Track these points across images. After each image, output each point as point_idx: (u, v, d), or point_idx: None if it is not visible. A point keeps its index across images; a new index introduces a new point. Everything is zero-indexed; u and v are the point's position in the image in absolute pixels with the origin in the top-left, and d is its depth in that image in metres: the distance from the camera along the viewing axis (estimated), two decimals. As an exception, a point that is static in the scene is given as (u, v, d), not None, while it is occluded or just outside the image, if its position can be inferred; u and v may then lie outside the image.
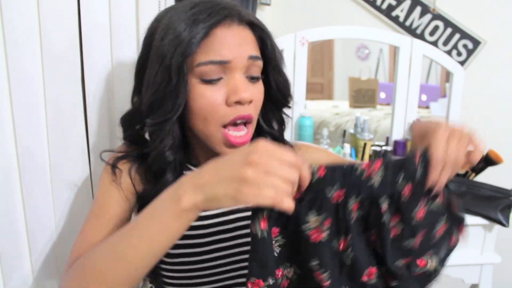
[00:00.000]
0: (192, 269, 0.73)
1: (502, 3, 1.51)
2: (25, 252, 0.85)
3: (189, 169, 0.74)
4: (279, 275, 0.58)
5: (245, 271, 0.75)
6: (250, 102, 0.64)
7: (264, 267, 0.55)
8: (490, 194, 1.20)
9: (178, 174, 0.69)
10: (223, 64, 0.62)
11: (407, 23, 1.48)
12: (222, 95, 0.63)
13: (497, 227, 1.21)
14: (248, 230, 0.73)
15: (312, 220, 0.56)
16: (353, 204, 0.56)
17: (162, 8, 0.90)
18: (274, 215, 0.55)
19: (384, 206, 0.57)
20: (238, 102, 0.63)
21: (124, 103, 0.88)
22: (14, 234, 0.83)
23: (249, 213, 0.73)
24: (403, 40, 1.38)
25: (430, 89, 2.11)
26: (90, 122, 0.88)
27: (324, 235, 0.56)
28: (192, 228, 0.73)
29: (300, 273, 0.59)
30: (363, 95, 2.16)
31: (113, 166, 0.72)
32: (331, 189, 0.56)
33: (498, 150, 1.25)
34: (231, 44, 0.62)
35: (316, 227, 0.56)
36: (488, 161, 1.25)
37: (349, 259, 0.57)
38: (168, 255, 0.72)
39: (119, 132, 0.88)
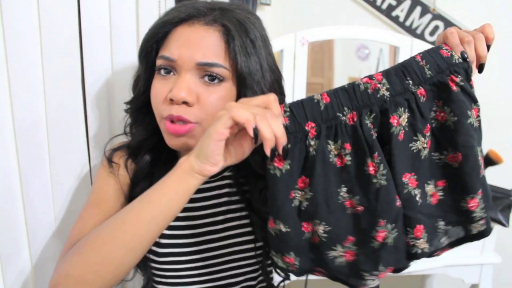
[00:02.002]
0: (181, 269, 0.73)
1: (502, 3, 1.51)
2: (25, 251, 0.86)
3: None
4: (308, 229, 0.58)
5: (235, 271, 0.75)
6: (187, 103, 0.62)
7: (273, 206, 0.56)
8: (490, 194, 1.20)
9: (155, 155, 0.73)
10: (170, 61, 0.63)
11: (407, 23, 1.48)
12: (166, 90, 0.63)
13: (497, 227, 1.21)
14: (238, 231, 0.74)
15: (333, 148, 0.56)
16: (369, 122, 0.56)
17: (162, 8, 0.90)
18: (297, 160, 0.56)
19: (403, 116, 0.56)
20: (172, 100, 0.62)
21: (123, 102, 0.88)
22: (13, 231, 0.83)
23: (240, 214, 0.74)
24: (403, 40, 1.38)
25: (430, 89, 2.11)
26: (90, 122, 0.88)
27: (348, 158, 0.56)
28: (181, 228, 0.73)
29: (329, 227, 0.57)
30: (363, 95, 2.16)
31: (109, 160, 0.73)
32: (342, 113, 0.56)
33: (498, 150, 1.25)
34: (182, 43, 0.62)
35: (338, 153, 0.56)
36: (488, 161, 1.25)
37: (384, 179, 0.55)
38: (156, 253, 0.72)
39: (119, 131, 0.88)
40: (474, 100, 0.58)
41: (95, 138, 0.89)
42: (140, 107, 0.72)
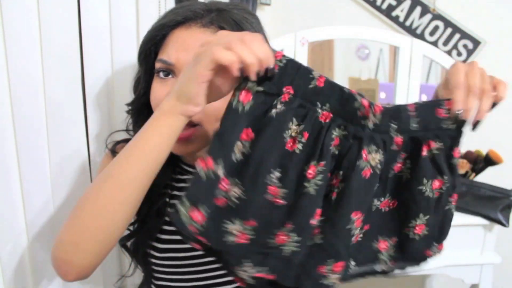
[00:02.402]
0: (180, 265, 0.73)
1: (502, 3, 1.51)
2: (25, 250, 0.86)
3: (182, 168, 0.76)
4: (225, 187, 0.51)
5: None
6: None
7: (223, 145, 0.51)
8: (490, 194, 1.20)
9: None
10: (168, 65, 0.63)
11: (407, 23, 1.48)
12: (164, 93, 0.63)
13: (497, 227, 1.21)
14: None
15: (293, 128, 0.52)
16: (336, 134, 0.53)
17: (162, 8, 0.90)
18: (258, 106, 0.51)
19: (373, 155, 0.54)
20: None
21: (124, 103, 0.88)
22: (13, 230, 0.83)
23: None
24: (403, 40, 1.37)
25: (430, 89, 2.11)
26: (90, 122, 0.88)
27: (299, 146, 0.52)
28: None
29: (244, 196, 0.51)
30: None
31: (112, 151, 0.74)
32: (321, 106, 0.53)
33: (498, 150, 1.25)
34: (180, 46, 0.63)
35: (294, 136, 0.53)
36: (488, 161, 1.25)
37: (313, 189, 0.52)
38: (156, 249, 0.73)
39: (119, 128, 0.88)
40: (440, 172, 0.56)
41: (95, 138, 0.89)
42: (141, 108, 0.73)
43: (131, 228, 0.76)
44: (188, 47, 0.62)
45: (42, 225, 0.86)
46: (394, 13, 1.49)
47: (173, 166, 0.75)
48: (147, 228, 0.73)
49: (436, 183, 0.56)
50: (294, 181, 0.52)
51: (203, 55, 0.49)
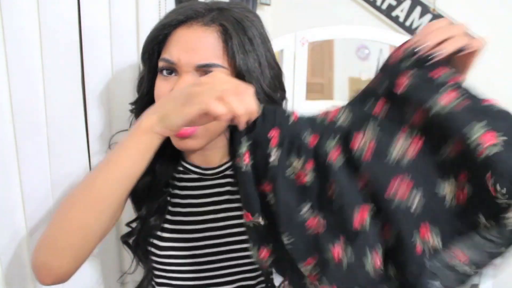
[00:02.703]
0: (181, 263, 0.74)
1: (502, 3, 1.51)
2: (25, 252, 0.86)
3: (182, 164, 0.76)
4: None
5: (234, 269, 0.76)
6: None
7: (248, 203, 0.57)
8: (490, 194, 1.20)
9: (158, 151, 0.72)
10: (171, 64, 0.65)
11: (407, 23, 1.48)
12: (167, 90, 0.65)
13: (497, 227, 1.21)
14: (238, 229, 0.75)
15: (294, 163, 0.57)
16: (332, 147, 0.56)
17: (162, 8, 0.90)
18: (259, 160, 0.57)
19: (360, 135, 0.53)
20: None
21: (124, 103, 0.88)
22: (13, 231, 0.83)
23: (240, 212, 0.74)
24: (403, 40, 1.37)
25: (430, 89, 2.11)
26: (90, 122, 0.88)
27: (309, 177, 0.56)
28: (182, 223, 0.74)
29: (291, 242, 0.55)
30: (363, 95, 2.16)
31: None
32: (305, 134, 0.57)
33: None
34: (182, 46, 0.64)
35: (299, 169, 0.56)
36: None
37: (337, 204, 0.53)
38: (157, 247, 0.73)
39: (119, 129, 0.88)
40: (439, 85, 0.50)
41: (95, 137, 0.89)
42: (145, 107, 0.72)
43: (133, 225, 0.77)
44: (189, 46, 0.63)
45: (42, 226, 0.86)
46: (394, 13, 1.49)
47: (175, 165, 0.76)
48: (148, 226, 0.74)
49: (446, 97, 0.50)
50: (324, 203, 0.55)
51: (195, 99, 0.51)
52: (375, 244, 0.50)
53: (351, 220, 0.51)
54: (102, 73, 0.87)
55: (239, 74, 0.64)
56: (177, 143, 0.67)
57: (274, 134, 0.57)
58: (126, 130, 0.81)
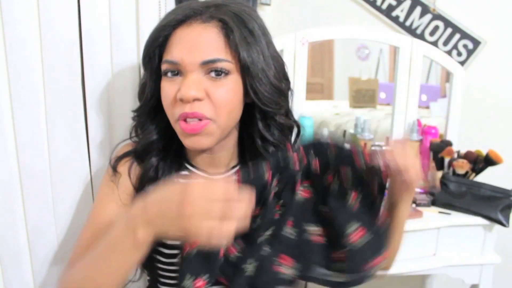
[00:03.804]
0: None
1: (502, 3, 1.51)
2: (26, 259, 0.85)
3: (186, 168, 0.75)
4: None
5: None
6: (199, 100, 0.63)
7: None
8: (490, 194, 1.20)
9: (160, 158, 0.73)
10: (174, 65, 0.64)
11: (407, 23, 1.48)
12: (174, 91, 0.65)
13: (497, 227, 1.21)
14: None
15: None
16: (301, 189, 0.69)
17: (162, 8, 0.90)
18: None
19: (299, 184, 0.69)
20: (183, 100, 0.63)
21: (124, 103, 0.88)
22: (14, 238, 0.83)
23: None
24: (403, 40, 1.37)
25: (430, 89, 2.11)
26: (90, 122, 0.88)
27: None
28: None
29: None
30: (363, 95, 2.15)
31: (114, 169, 0.73)
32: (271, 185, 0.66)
33: (498, 150, 1.25)
34: (183, 46, 0.63)
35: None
36: (488, 161, 1.25)
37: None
38: (162, 254, 0.73)
39: (119, 131, 0.88)
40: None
41: (95, 137, 0.89)
42: (149, 112, 0.72)
43: None
44: (191, 44, 0.63)
45: (42, 224, 0.86)
46: (394, 13, 1.49)
47: (178, 168, 0.75)
48: None
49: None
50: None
51: (187, 225, 0.48)
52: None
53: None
54: (102, 73, 0.87)
55: (244, 66, 0.64)
56: (187, 142, 0.67)
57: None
58: (128, 139, 0.78)
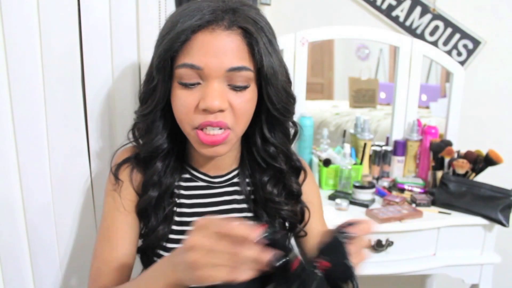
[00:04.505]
0: None
1: (502, 3, 1.51)
2: (26, 253, 0.86)
3: (188, 171, 0.75)
4: None
5: None
6: (222, 110, 0.63)
7: None
8: (490, 194, 1.20)
9: (164, 163, 0.72)
10: (196, 70, 0.62)
11: (407, 23, 1.48)
12: (194, 100, 0.63)
13: (497, 227, 1.21)
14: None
15: None
16: None
17: (162, 8, 0.90)
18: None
19: None
20: (207, 110, 0.62)
21: (124, 104, 0.88)
22: (13, 243, 0.83)
23: (246, 219, 0.74)
24: (403, 40, 1.38)
25: (430, 89, 2.11)
26: (90, 122, 0.88)
27: None
28: (190, 224, 0.73)
29: None
30: (363, 95, 2.15)
31: (115, 176, 0.73)
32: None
33: (498, 150, 1.25)
34: (208, 51, 0.61)
35: None
36: (488, 161, 1.25)
37: None
38: (166, 249, 0.73)
39: (119, 132, 0.88)
40: None
41: (95, 137, 0.89)
42: (159, 116, 0.70)
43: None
44: (216, 51, 0.61)
45: (42, 224, 0.86)
46: (394, 13, 1.49)
47: (180, 172, 0.74)
48: (156, 236, 0.72)
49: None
50: None
51: (200, 273, 0.47)
52: None
53: None
54: (102, 74, 0.87)
55: (266, 76, 0.64)
56: (205, 150, 0.66)
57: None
58: (127, 143, 0.77)
